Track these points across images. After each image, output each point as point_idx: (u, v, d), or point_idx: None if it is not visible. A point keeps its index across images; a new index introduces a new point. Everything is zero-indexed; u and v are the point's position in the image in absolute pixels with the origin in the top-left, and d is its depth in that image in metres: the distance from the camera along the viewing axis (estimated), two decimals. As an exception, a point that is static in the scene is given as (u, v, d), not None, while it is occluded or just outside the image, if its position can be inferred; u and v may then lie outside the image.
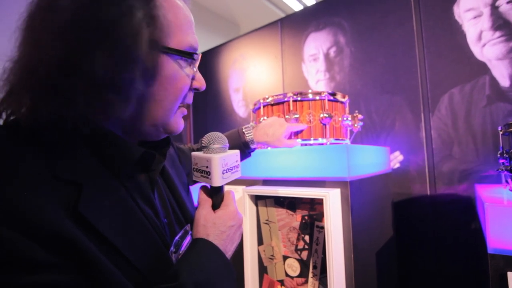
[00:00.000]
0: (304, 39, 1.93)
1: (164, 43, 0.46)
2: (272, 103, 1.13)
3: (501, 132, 0.97)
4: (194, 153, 0.58)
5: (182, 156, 0.82)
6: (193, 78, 0.53)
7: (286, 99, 1.09)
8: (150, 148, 0.51)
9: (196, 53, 0.51)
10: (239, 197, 1.22)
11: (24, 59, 0.41)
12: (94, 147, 0.45)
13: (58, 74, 0.39)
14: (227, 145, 0.58)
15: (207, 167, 0.55)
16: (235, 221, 0.56)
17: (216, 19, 3.63)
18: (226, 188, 0.62)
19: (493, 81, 1.27)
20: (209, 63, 2.56)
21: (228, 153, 0.57)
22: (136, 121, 0.48)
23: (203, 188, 0.60)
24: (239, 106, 2.34)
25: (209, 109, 2.56)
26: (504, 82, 1.25)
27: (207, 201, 0.57)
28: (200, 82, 0.55)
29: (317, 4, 1.90)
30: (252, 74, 2.26)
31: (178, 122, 0.54)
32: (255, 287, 1.11)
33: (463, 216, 1.32)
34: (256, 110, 1.24)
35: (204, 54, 2.62)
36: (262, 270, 1.12)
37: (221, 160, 0.54)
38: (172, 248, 0.52)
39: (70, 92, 0.40)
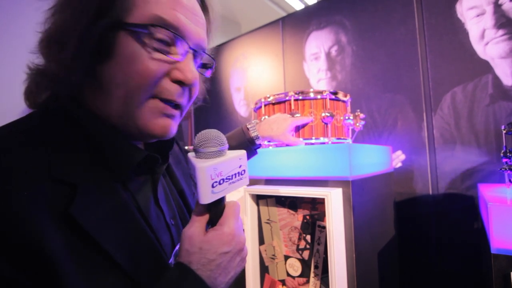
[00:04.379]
0: (306, 38, 1.92)
1: (126, 20, 0.41)
2: (273, 102, 1.13)
3: (504, 131, 0.96)
4: (189, 155, 0.47)
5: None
6: (176, 67, 0.45)
7: (287, 98, 1.08)
8: (154, 150, 0.50)
9: (156, 25, 0.42)
10: (240, 197, 1.21)
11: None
12: (95, 148, 0.44)
13: (48, 47, 0.44)
14: (226, 146, 0.46)
15: (195, 176, 0.43)
16: (230, 246, 0.44)
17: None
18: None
19: (496, 80, 1.26)
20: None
21: (223, 158, 0.44)
22: (108, 111, 0.45)
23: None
24: (240, 105, 2.34)
25: (210, 109, 2.56)
26: (507, 81, 1.24)
27: (200, 218, 0.45)
28: (183, 73, 0.45)
29: (318, 2, 1.89)
30: (253, 73, 2.25)
31: (151, 119, 0.45)
32: (256, 287, 1.11)
33: (466, 215, 1.32)
34: (257, 109, 1.23)
35: (205, 53, 2.61)
36: (264, 270, 1.12)
37: (209, 170, 0.42)
38: (172, 260, 0.49)
39: (50, 63, 0.44)
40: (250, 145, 0.90)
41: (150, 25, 0.41)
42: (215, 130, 0.46)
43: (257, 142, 0.90)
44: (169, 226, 0.52)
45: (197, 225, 0.45)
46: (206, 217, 0.46)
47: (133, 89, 0.42)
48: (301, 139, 1.05)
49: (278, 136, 0.94)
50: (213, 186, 0.43)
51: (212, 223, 0.47)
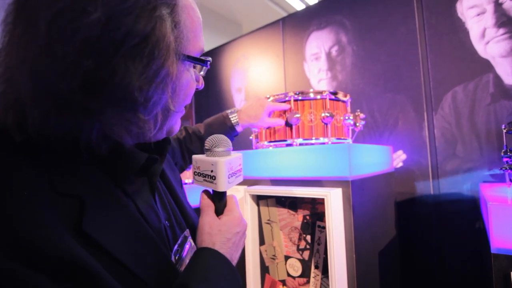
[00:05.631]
0: (306, 38, 1.92)
1: (184, 51, 0.43)
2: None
3: (504, 131, 0.96)
4: (195, 156, 0.55)
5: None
6: (196, 80, 0.52)
7: (287, 99, 1.08)
8: (150, 150, 0.50)
9: (209, 60, 0.49)
10: (240, 197, 1.21)
11: (35, 70, 0.36)
12: (95, 155, 0.42)
13: (83, 92, 0.36)
14: (231, 148, 0.56)
15: (211, 171, 0.52)
16: (240, 227, 0.54)
17: (219, 19, 3.64)
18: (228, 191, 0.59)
19: (497, 79, 1.25)
20: (211, 63, 2.56)
21: (232, 156, 0.55)
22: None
23: (205, 192, 0.57)
24: (241, 106, 2.34)
25: (211, 109, 2.56)
26: (508, 80, 1.23)
27: (210, 207, 0.55)
28: (201, 82, 0.54)
29: (319, 2, 1.89)
30: (254, 74, 2.26)
31: (179, 123, 0.53)
32: (257, 287, 1.11)
33: (467, 215, 1.31)
34: (257, 109, 1.23)
35: (207, 54, 2.62)
36: (264, 270, 1.12)
37: (227, 164, 0.52)
38: (173, 258, 0.51)
39: (95, 112, 0.37)
40: (230, 132, 0.94)
41: (207, 60, 0.48)
42: (222, 135, 0.55)
43: (237, 129, 0.95)
44: (165, 228, 0.53)
45: (210, 213, 0.54)
46: (213, 206, 0.55)
47: (181, 108, 0.49)
48: (279, 119, 1.07)
49: (257, 123, 0.99)
50: (228, 177, 0.53)
51: (217, 211, 0.55)
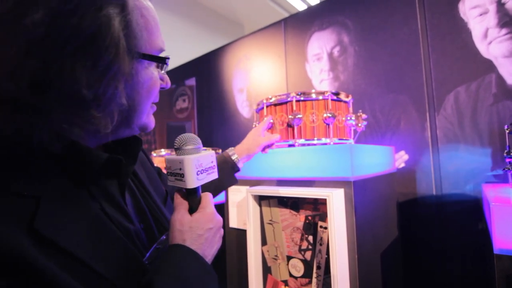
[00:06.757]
0: (308, 39, 1.92)
1: (139, 50, 0.44)
2: (275, 103, 1.13)
3: (507, 131, 0.96)
4: (167, 157, 0.56)
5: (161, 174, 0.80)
6: (161, 79, 0.53)
7: (289, 99, 1.08)
8: (119, 150, 0.50)
9: (168, 58, 0.50)
10: (242, 197, 1.22)
11: None
12: (53, 155, 0.42)
13: (31, 92, 0.37)
14: (201, 145, 0.56)
15: (180, 169, 0.53)
16: (213, 224, 0.54)
17: (220, 20, 3.65)
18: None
19: (500, 79, 1.25)
20: (213, 63, 2.57)
21: (202, 153, 0.56)
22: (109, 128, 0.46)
23: (179, 191, 0.57)
24: (243, 106, 2.34)
25: (213, 110, 2.57)
26: (510, 80, 1.23)
27: (183, 204, 0.55)
28: (166, 81, 0.55)
29: (321, 3, 1.89)
30: (256, 74, 2.26)
31: (150, 120, 0.54)
32: (259, 287, 1.11)
33: (470, 216, 1.31)
34: (259, 110, 1.24)
35: (208, 54, 2.63)
36: (266, 270, 1.12)
37: (194, 161, 0.53)
38: (146, 258, 0.50)
39: (45, 111, 0.38)
40: (232, 172, 0.92)
41: (166, 58, 0.49)
42: (191, 133, 0.56)
43: (239, 165, 0.92)
44: (138, 230, 0.53)
45: (182, 210, 0.53)
46: (186, 204, 0.55)
47: (145, 105, 0.50)
48: (276, 134, 1.06)
49: (254, 151, 0.96)
50: (197, 174, 0.54)
51: (191, 210, 0.56)
